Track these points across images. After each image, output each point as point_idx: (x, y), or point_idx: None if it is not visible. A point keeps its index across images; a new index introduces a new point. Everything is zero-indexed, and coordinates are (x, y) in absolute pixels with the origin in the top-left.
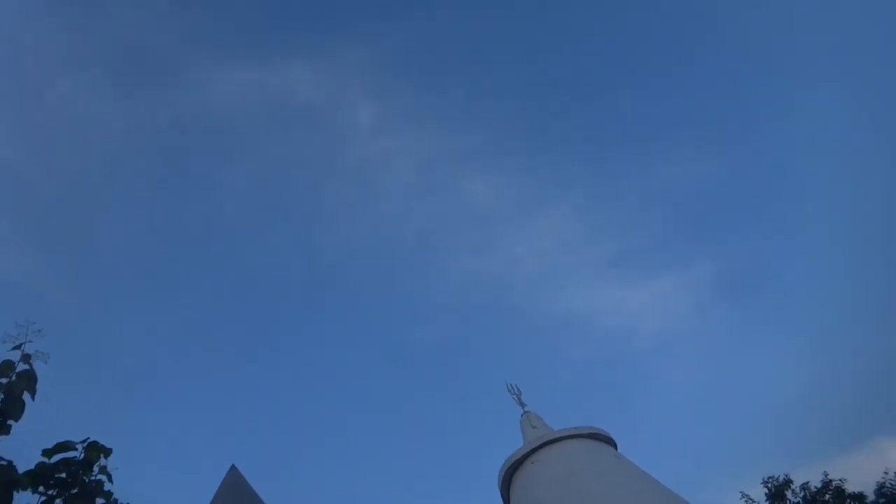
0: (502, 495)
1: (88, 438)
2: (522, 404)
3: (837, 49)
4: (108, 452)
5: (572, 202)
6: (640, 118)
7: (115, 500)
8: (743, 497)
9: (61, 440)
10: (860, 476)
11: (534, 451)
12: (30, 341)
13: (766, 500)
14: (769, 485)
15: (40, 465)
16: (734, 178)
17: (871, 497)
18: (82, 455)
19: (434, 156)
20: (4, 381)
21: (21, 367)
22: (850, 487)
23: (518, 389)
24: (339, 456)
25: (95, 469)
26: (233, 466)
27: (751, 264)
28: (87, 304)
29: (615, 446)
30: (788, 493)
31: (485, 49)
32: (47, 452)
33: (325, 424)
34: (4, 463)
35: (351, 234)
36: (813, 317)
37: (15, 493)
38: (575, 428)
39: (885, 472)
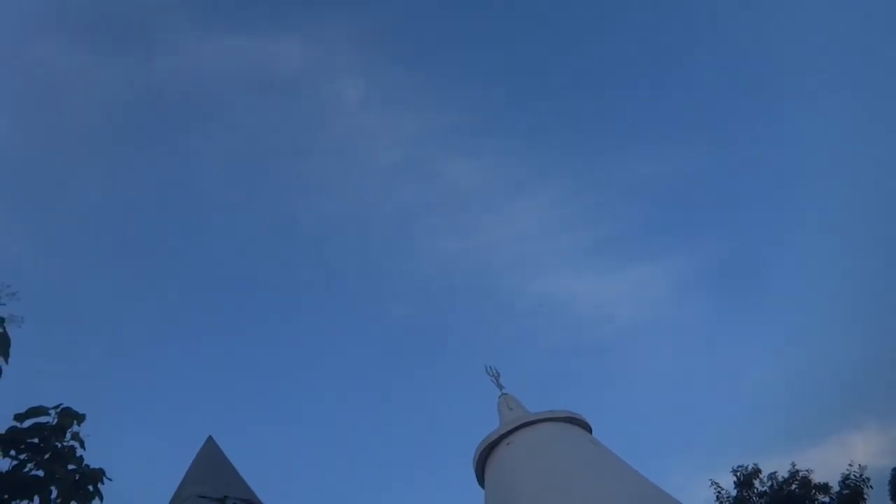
0: (477, 475)
1: (62, 404)
2: (500, 386)
3: (819, 43)
4: (80, 419)
5: (554, 188)
6: (625, 110)
7: (87, 467)
8: (712, 485)
9: (34, 405)
10: (826, 467)
11: (510, 432)
12: (2, 304)
13: (735, 489)
14: (738, 474)
15: (12, 430)
16: (713, 172)
17: (835, 488)
18: (55, 420)
19: (418, 135)
20: None
21: None
22: (816, 478)
23: (496, 372)
24: (315, 432)
25: (68, 435)
26: (210, 438)
27: (726, 257)
28: (62, 270)
29: (590, 430)
30: (756, 482)
31: (474, 31)
32: (19, 417)
33: (302, 400)
34: None
35: (331, 210)
36: (786, 310)
37: None
38: (550, 411)
39: (850, 465)
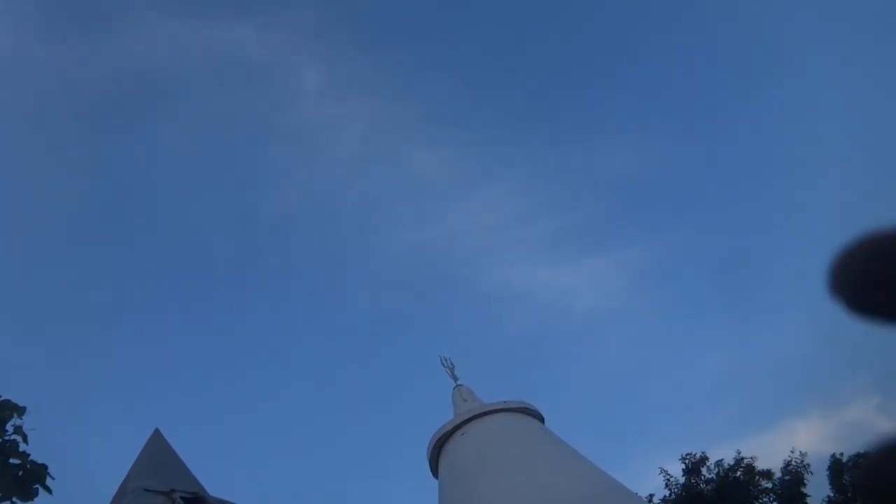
0: (431, 466)
1: (0, 396)
2: (455, 378)
3: (794, 31)
4: (21, 411)
5: (515, 179)
6: (590, 101)
7: (33, 462)
8: (661, 472)
9: None
10: (770, 454)
11: (463, 423)
12: None
13: (683, 476)
14: (686, 461)
15: None
16: (677, 165)
17: (777, 474)
18: None
19: (379, 124)
20: None
21: None
22: (760, 465)
23: (451, 363)
24: (267, 424)
25: (10, 428)
26: (156, 431)
27: (683, 251)
28: (7, 253)
29: (542, 420)
30: (704, 469)
31: (437, 18)
32: None
33: (254, 390)
34: None
35: (290, 198)
36: (742, 303)
37: None
38: (504, 402)
39: (792, 451)
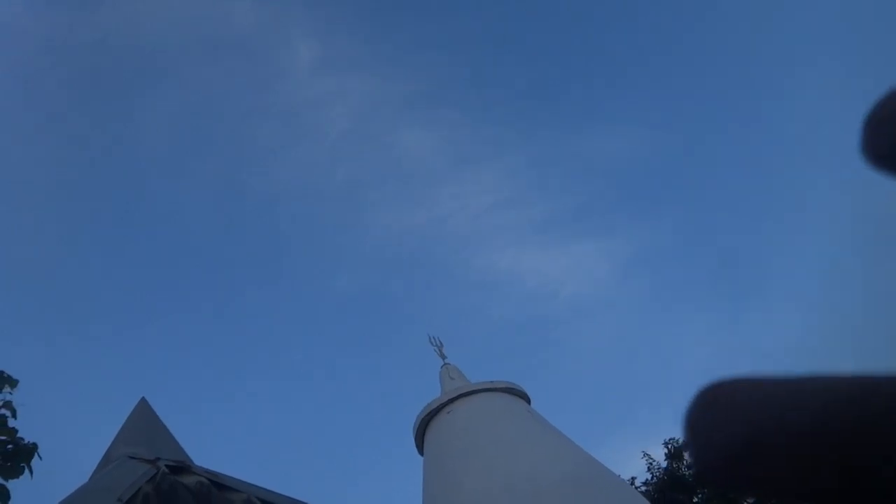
0: (417, 443)
1: None
2: (443, 356)
3: (793, 24)
4: (13, 383)
5: (507, 163)
6: (586, 87)
7: (21, 439)
8: (644, 456)
9: None
10: None
11: (450, 401)
12: None
13: (666, 460)
14: (669, 446)
15: None
16: (670, 154)
17: None
18: None
19: (372, 103)
20: None
21: None
22: None
23: (440, 342)
24: (254, 398)
25: None
26: (143, 399)
27: (672, 240)
28: None
29: (529, 401)
30: (686, 454)
31: None
32: None
33: (241, 366)
34: None
35: (279, 176)
36: (726, 294)
37: None
38: (491, 382)
39: None
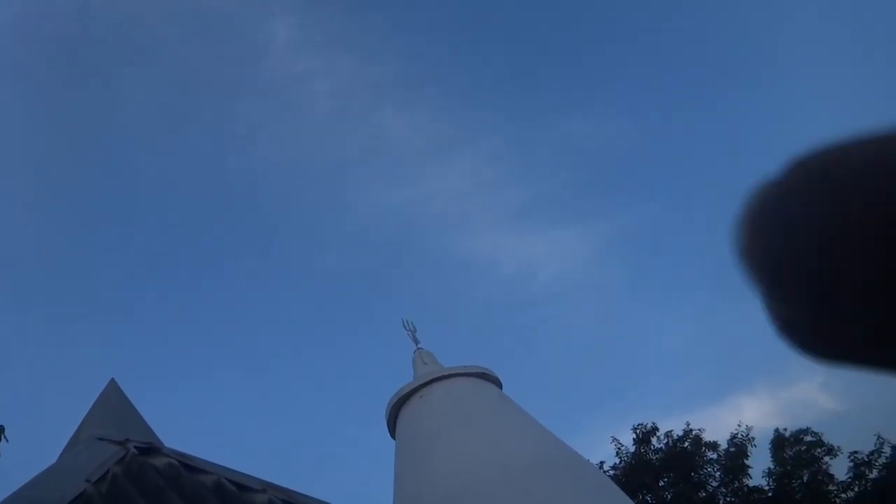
0: (389, 427)
1: None
2: (416, 341)
3: (781, 10)
4: None
5: (488, 146)
6: (568, 71)
7: None
8: (613, 441)
9: None
10: (718, 428)
11: (422, 386)
12: None
13: (634, 446)
14: (637, 431)
15: None
16: (652, 140)
17: (724, 445)
18: None
19: (354, 83)
20: None
21: None
22: (707, 437)
23: (413, 326)
24: (223, 381)
25: None
26: (112, 381)
27: (648, 227)
28: None
29: (500, 386)
30: (654, 440)
31: None
32: None
33: (211, 348)
34: None
35: (260, 155)
36: (699, 283)
37: None
38: (463, 366)
39: (739, 425)
